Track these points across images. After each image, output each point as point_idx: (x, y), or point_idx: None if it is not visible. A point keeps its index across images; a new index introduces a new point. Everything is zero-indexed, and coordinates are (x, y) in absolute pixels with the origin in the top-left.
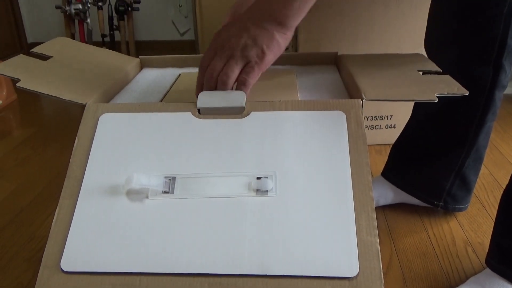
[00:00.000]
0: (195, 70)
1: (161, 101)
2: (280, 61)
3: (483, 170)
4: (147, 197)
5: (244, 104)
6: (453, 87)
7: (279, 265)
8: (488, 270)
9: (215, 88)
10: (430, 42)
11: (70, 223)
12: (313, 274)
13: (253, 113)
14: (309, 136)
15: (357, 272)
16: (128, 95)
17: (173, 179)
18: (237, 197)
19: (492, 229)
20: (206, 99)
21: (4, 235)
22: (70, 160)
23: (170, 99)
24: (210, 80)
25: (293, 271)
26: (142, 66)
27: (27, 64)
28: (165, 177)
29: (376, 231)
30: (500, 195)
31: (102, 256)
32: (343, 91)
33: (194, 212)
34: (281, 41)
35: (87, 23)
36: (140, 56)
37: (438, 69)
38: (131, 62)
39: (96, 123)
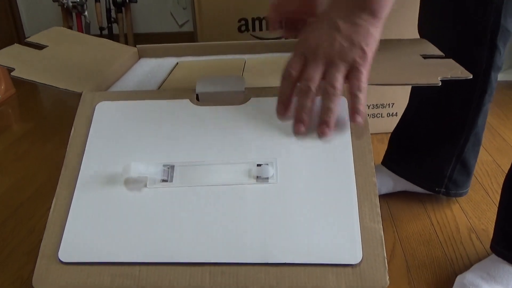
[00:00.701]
0: (193, 59)
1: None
2: (277, 48)
3: (486, 156)
4: (145, 185)
5: (243, 89)
6: (456, 71)
7: (281, 253)
8: (493, 256)
9: (311, 103)
10: (424, 26)
11: (68, 213)
12: (315, 261)
13: (252, 99)
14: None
15: (361, 259)
16: (125, 84)
17: (172, 167)
18: (237, 185)
19: (496, 216)
20: (205, 84)
21: (4, 229)
22: (67, 150)
23: (167, 87)
24: (307, 93)
25: (295, 259)
26: (139, 55)
27: (22, 54)
28: (164, 165)
29: (380, 218)
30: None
31: (100, 246)
32: None
33: (194, 200)
34: (376, 34)
35: (84, 16)
36: (137, 45)
37: (441, 53)
38: (128, 52)
39: (92, 112)
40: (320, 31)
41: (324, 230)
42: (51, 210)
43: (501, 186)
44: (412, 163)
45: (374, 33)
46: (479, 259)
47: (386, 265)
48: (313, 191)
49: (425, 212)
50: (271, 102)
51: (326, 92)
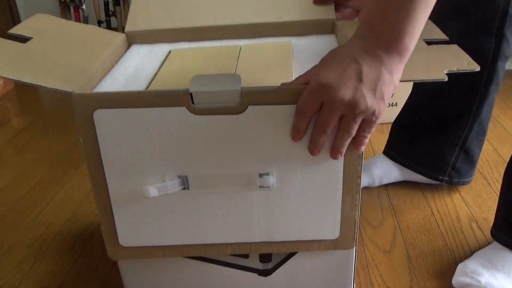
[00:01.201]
0: (187, 45)
1: (148, 86)
2: (274, 31)
3: (486, 145)
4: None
5: (239, 88)
6: (463, 62)
7: (281, 234)
8: (494, 244)
9: (327, 138)
10: (431, 14)
11: (115, 221)
12: (306, 238)
13: (250, 108)
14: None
15: (338, 235)
16: (115, 80)
17: (186, 177)
18: (244, 192)
19: (497, 203)
20: (200, 83)
21: (5, 222)
22: (88, 164)
23: (159, 84)
24: (323, 133)
25: (291, 238)
26: (129, 42)
27: (5, 49)
28: (178, 177)
29: (357, 208)
30: (504, 171)
31: (150, 236)
32: None
33: (212, 202)
34: (397, 78)
35: (82, 9)
36: (126, 30)
37: (445, 37)
38: (117, 38)
39: (91, 121)
40: (343, 75)
41: (314, 219)
42: (101, 223)
43: (502, 175)
44: (415, 152)
45: (396, 80)
46: (480, 248)
47: (356, 238)
48: (307, 192)
49: (426, 202)
50: (270, 111)
51: (342, 136)
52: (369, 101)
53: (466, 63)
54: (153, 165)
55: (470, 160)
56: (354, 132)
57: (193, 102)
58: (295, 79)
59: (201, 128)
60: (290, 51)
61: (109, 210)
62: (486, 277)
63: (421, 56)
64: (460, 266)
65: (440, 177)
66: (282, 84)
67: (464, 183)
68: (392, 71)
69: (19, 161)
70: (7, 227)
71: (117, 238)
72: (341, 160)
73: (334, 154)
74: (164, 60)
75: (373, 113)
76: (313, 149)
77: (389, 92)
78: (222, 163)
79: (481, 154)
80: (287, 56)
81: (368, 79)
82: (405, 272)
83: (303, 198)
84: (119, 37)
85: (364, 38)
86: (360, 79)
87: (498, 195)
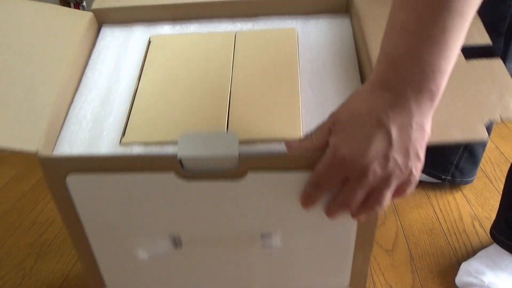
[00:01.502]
0: (169, 29)
1: (130, 110)
2: (275, 8)
3: (489, 144)
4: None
5: (237, 153)
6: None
7: None
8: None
9: (343, 213)
10: None
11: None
12: None
13: (250, 175)
14: None
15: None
16: (88, 104)
17: (178, 237)
18: (245, 252)
19: (499, 204)
20: (189, 145)
21: (7, 220)
22: (67, 227)
23: (141, 107)
24: (343, 208)
25: None
26: (98, 22)
27: None
28: (170, 237)
29: (370, 259)
30: (507, 169)
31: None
32: (354, 74)
33: (208, 261)
34: (429, 127)
35: (83, 6)
36: (93, 7)
37: (487, 40)
38: (83, 21)
39: (64, 185)
40: (370, 148)
41: (322, 275)
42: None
43: (505, 174)
44: None
45: (428, 129)
46: (482, 247)
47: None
48: (314, 253)
49: (428, 201)
50: (273, 179)
51: (371, 207)
52: (403, 166)
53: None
54: (141, 227)
55: (474, 160)
56: (387, 203)
57: (182, 166)
58: (304, 138)
59: (193, 195)
60: (295, 46)
61: (97, 270)
62: (489, 276)
63: (454, 95)
64: (463, 265)
65: (443, 177)
66: (287, 145)
67: (466, 182)
68: (423, 122)
69: (21, 158)
70: (8, 225)
71: (103, 280)
72: (353, 225)
73: (356, 217)
74: (145, 56)
75: (410, 174)
76: (331, 215)
77: (423, 146)
78: (218, 227)
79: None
80: (292, 55)
81: (399, 143)
82: (408, 271)
83: (311, 256)
84: (85, 18)
85: (387, 84)
86: (390, 145)
87: (501, 194)
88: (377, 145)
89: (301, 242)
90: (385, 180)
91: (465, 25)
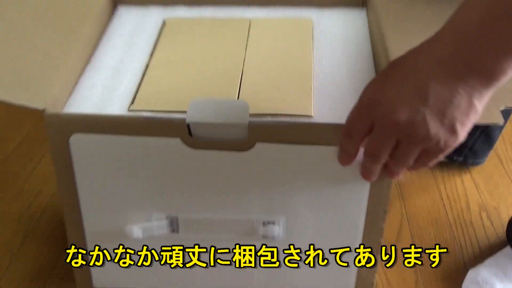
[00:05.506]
0: (183, 11)
1: (139, 85)
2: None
3: None
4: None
5: (247, 121)
6: None
7: None
8: (508, 249)
9: (380, 167)
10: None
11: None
12: None
13: (258, 145)
14: (323, 177)
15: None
16: (99, 72)
17: (176, 219)
18: (244, 241)
19: (508, 191)
20: (198, 110)
21: None
22: (60, 196)
23: (150, 84)
24: (374, 164)
25: None
26: (115, 2)
27: None
28: (167, 218)
29: (376, 265)
30: None
31: (130, 280)
32: (368, 65)
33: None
34: (480, 104)
35: None
36: None
37: None
38: (98, 2)
39: (67, 146)
40: (401, 91)
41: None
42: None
43: None
44: None
45: (479, 106)
46: (488, 244)
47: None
48: (318, 243)
49: (435, 183)
50: (280, 150)
51: (394, 164)
52: (433, 128)
53: None
54: (139, 202)
55: (489, 142)
56: (410, 163)
57: (190, 133)
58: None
59: (198, 165)
60: (310, 36)
61: (84, 248)
62: None
63: None
64: (470, 273)
65: (455, 158)
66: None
67: (478, 163)
68: (473, 93)
69: (1, 116)
70: None
71: (91, 279)
72: (363, 209)
73: (386, 174)
74: (158, 37)
75: (437, 144)
76: (366, 175)
77: (466, 122)
78: (220, 206)
79: None
80: (306, 44)
81: (436, 99)
82: (411, 270)
83: (316, 239)
84: None
85: (445, 45)
86: (424, 98)
87: (511, 178)
88: (409, 92)
89: (304, 238)
90: (407, 134)
91: None
